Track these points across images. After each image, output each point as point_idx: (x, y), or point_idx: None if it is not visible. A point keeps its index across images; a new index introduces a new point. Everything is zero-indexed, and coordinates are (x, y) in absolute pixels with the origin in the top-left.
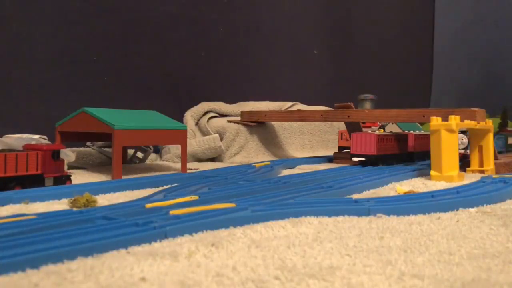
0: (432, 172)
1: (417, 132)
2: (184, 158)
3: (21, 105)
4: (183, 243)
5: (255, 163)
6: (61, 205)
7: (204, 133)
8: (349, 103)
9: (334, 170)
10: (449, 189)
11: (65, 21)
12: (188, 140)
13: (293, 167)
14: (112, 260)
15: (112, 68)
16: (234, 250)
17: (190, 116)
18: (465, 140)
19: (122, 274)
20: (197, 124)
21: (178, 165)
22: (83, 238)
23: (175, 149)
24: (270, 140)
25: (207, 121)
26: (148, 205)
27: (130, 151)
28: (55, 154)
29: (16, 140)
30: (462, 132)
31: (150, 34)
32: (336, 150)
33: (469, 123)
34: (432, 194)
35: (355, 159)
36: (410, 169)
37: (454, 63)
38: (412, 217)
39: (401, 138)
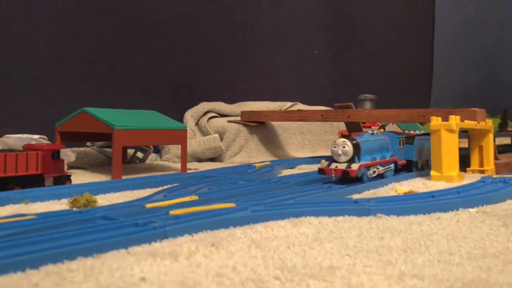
0: (432, 172)
1: (417, 132)
2: (184, 158)
3: (21, 105)
4: (183, 243)
5: (255, 163)
6: (61, 205)
7: (204, 133)
8: (349, 103)
9: None
10: (449, 189)
11: (65, 21)
12: (188, 140)
13: (293, 167)
14: (112, 260)
15: (112, 68)
16: (234, 250)
17: (190, 116)
18: (348, 148)
19: (122, 274)
20: (197, 124)
21: (178, 165)
22: (83, 238)
23: (175, 149)
24: (270, 140)
25: (207, 121)
26: (148, 205)
27: (130, 151)
28: (55, 154)
29: (16, 140)
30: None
31: (150, 34)
32: None
33: (469, 123)
34: (432, 194)
35: None
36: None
37: (454, 63)
38: (412, 217)
39: None
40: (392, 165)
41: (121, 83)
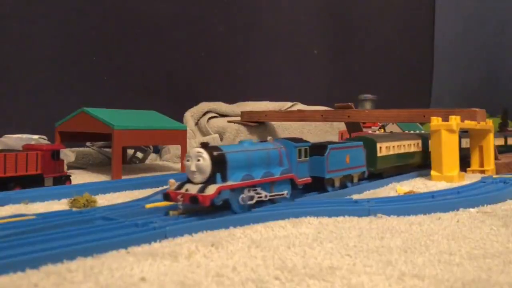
0: (433, 172)
1: (417, 132)
2: (184, 158)
3: (21, 105)
4: (183, 243)
5: None
6: (60, 205)
7: (204, 133)
8: (349, 103)
9: None
10: (450, 189)
11: (64, 21)
12: (188, 140)
13: None
14: (112, 260)
15: (112, 68)
16: (234, 250)
17: (190, 116)
18: (204, 162)
19: (122, 274)
20: (197, 124)
21: (178, 165)
22: (82, 238)
23: (175, 149)
24: None
25: (207, 121)
26: (148, 206)
27: (130, 151)
28: (55, 154)
29: (16, 140)
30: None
31: (150, 34)
32: None
33: (469, 123)
34: (432, 195)
35: None
36: (410, 169)
37: (454, 63)
38: (412, 218)
39: None
40: (286, 191)
41: (121, 83)
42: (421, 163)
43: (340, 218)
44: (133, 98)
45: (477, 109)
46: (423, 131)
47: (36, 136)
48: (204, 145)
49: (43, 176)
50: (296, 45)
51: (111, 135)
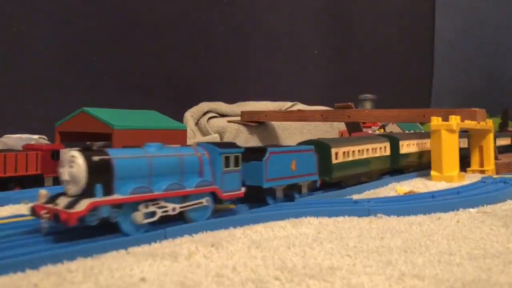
0: (433, 172)
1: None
2: None
3: (21, 105)
4: (183, 243)
5: None
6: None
7: (204, 133)
8: (349, 103)
9: None
10: (450, 189)
11: (64, 21)
12: (188, 140)
13: None
14: (112, 261)
15: (112, 68)
16: (234, 250)
17: (190, 116)
18: (78, 169)
19: (122, 275)
20: (197, 124)
21: None
22: (83, 238)
23: None
24: (270, 140)
25: (207, 121)
26: None
27: None
28: (55, 154)
29: (16, 140)
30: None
31: (150, 34)
32: None
33: (469, 123)
34: (432, 195)
35: None
36: (410, 170)
37: (454, 63)
38: (412, 218)
39: None
40: (206, 198)
41: (121, 83)
42: (390, 169)
43: (340, 218)
44: (133, 98)
45: (477, 109)
46: (419, 130)
47: (36, 136)
48: (86, 148)
49: (43, 176)
50: (296, 45)
51: (111, 135)
